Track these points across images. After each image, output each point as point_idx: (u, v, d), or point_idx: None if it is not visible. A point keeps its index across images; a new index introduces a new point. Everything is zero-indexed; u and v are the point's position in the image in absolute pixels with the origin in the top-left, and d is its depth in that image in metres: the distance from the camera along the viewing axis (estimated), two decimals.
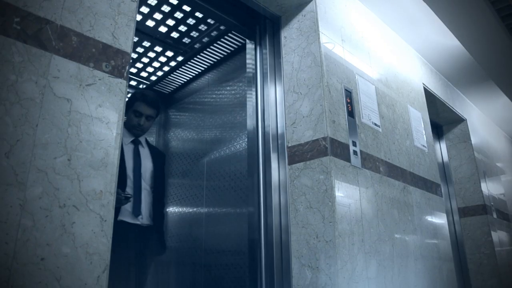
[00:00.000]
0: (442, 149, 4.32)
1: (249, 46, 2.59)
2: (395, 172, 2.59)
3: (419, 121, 3.14)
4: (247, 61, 2.56)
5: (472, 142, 4.21)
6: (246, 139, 2.59)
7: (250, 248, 2.19)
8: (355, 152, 2.24)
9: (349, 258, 1.99)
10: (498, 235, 4.07)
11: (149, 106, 2.45)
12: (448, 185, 4.17)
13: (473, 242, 3.95)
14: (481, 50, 3.58)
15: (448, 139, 4.33)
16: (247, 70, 2.54)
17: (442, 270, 2.83)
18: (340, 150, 2.15)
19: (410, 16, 3.11)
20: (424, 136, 3.15)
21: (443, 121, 4.30)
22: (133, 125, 2.45)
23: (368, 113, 2.51)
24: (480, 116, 4.81)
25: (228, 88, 3.00)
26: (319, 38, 2.35)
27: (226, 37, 3.04)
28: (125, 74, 1.39)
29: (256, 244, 2.15)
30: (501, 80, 4.08)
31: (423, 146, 3.07)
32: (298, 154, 2.20)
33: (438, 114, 4.13)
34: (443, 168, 4.24)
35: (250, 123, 2.40)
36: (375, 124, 2.54)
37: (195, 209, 3.11)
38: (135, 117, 2.44)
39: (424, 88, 3.52)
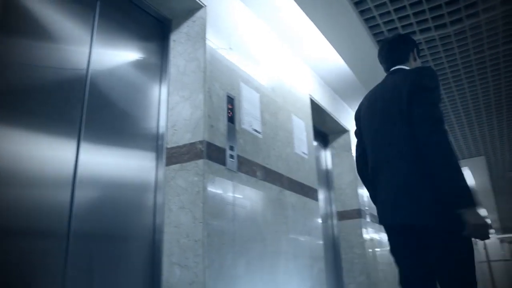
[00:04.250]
0: (327, 157, 4.64)
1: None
2: (272, 176, 2.75)
3: (301, 130, 3.36)
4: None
5: (353, 152, 4.57)
6: None
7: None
8: (231, 156, 2.35)
9: (217, 257, 2.09)
10: (369, 237, 4.47)
11: None
12: (330, 190, 4.49)
13: (347, 243, 4.30)
14: (361, 69, 3.92)
15: (333, 148, 4.67)
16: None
17: (313, 268, 3.05)
18: (216, 154, 2.25)
19: (300, 32, 3.32)
20: (306, 144, 3.38)
21: (329, 131, 4.63)
22: None
23: (250, 119, 2.64)
24: None
25: None
26: (205, 44, 2.44)
27: None
28: None
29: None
30: None
31: (304, 153, 3.29)
32: (176, 156, 2.26)
33: (325, 124, 4.43)
34: (327, 175, 4.56)
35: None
36: (256, 131, 2.68)
37: None
38: None
39: (311, 99, 3.77)
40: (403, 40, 2.15)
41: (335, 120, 4.35)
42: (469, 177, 8.44)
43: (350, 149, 4.58)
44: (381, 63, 2.22)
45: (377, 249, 4.67)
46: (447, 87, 4.54)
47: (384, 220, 1.90)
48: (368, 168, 2.10)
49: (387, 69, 2.16)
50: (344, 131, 4.64)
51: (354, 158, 4.50)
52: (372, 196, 2.11)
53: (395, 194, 1.80)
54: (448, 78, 4.34)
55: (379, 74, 3.99)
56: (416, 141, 1.73)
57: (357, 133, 2.27)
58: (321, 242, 3.28)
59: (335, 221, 4.39)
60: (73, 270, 1.78)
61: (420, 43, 3.65)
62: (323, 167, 4.57)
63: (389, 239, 1.94)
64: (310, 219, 3.17)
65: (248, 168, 2.52)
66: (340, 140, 4.66)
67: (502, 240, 23.72)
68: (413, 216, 1.72)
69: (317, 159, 4.47)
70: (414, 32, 3.49)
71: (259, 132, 2.72)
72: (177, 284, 2.06)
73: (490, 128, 5.97)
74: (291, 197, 2.96)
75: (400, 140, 1.83)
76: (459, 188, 1.60)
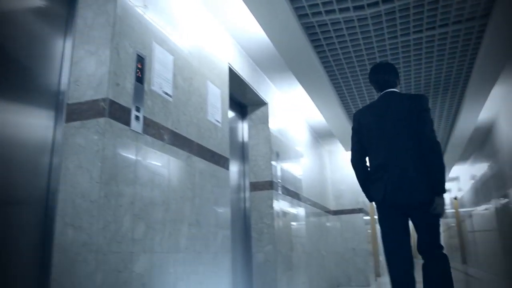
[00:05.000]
0: (244, 128, 4.67)
1: None
2: (181, 141, 2.72)
3: (217, 98, 3.34)
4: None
5: (270, 125, 4.65)
6: None
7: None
8: (137, 118, 2.28)
9: (113, 218, 2.04)
10: (279, 209, 4.61)
11: None
12: (245, 161, 4.55)
13: (258, 214, 4.40)
14: (282, 43, 3.95)
15: (251, 119, 4.70)
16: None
17: (217, 236, 3.09)
18: (120, 114, 2.16)
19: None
20: (220, 112, 3.36)
21: (248, 102, 4.65)
22: None
23: (161, 81, 2.57)
24: (281, 101, 5.30)
25: None
26: None
27: None
28: None
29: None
30: (298, 72, 4.58)
31: (217, 121, 3.28)
32: (76, 113, 2.14)
33: (244, 95, 4.44)
34: (243, 146, 4.60)
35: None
36: (166, 94, 2.61)
37: None
38: None
39: (230, 68, 3.75)
40: (393, 69, 3.00)
41: (254, 92, 4.37)
42: None
43: (267, 121, 4.64)
44: (375, 82, 3.01)
45: (292, 223, 4.84)
46: (363, 68, 4.73)
47: (393, 199, 2.70)
48: (363, 160, 2.96)
49: (381, 89, 2.97)
50: (262, 103, 4.69)
51: (270, 131, 4.57)
52: (364, 181, 2.94)
53: (409, 181, 2.67)
54: (364, 60, 4.52)
55: (299, 49, 4.07)
56: (418, 145, 2.69)
57: (356, 131, 2.99)
58: (228, 210, 3.32)
59: (247, 192, 4.46)
60: None
61: (339, 22, 3.74)
62: (240, 138, 4.60)
63: (386, 214, 2.80)
64: (218, 187, 3.19)
65: (155, 131, 2.46)
66: (258, 112, 4.70)
67: None
68: (421, 195, 2.65)
69: (234, 130, 4.48)
70: (333, 11, 3.57)
71: (170, 96, 2.66)
72: (69, 245, 1.99)
73: None
74: (200, 163, 2.95)
75: (406, 145, 2.72)
76: (443, 182, 2.66)
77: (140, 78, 2.37)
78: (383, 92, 2.94)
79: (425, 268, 2.71)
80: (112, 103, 2.12)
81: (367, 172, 2.94)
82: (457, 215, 15.48)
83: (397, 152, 2.73)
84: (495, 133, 7.56)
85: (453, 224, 16.28)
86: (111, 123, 2.10)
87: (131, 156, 2.23)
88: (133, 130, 2.25)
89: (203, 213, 2.92)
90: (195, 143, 2.91)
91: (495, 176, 8.06)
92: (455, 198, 15.13)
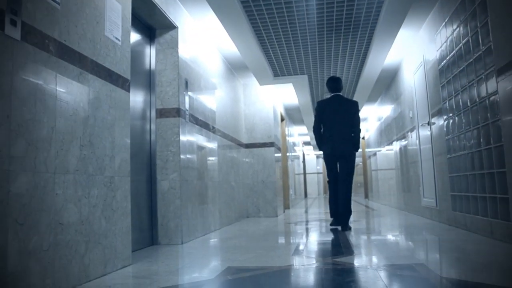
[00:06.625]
0: (152, 52, 4.44)
1: None
2: (71, 55, 2.49)
3: (117, 14, 3.08)
4: None
5: (179, 50, 4.45)
6: None
7: None
8: (13, 22, 2.02)
9: None
10: (186, 137, 4.55)
11: None
12: (152, 86, 4.36)
13: (163, 141, 4.31)
14: None
15: (159, 43, 4.46)
16: None
17: (114, 159, 2.97)
18: None
19: None
20: (120, 30, 3.13)
21: (157, 24, 4.38)
22: None
23: None
24: (193, 27, 5.07)
25: None
26: None
27: None
28: None
29: None
30: None
31: (117, 39, 3.05)
32: None
33: (152, 16, 4.17)
34: (150, 71, 4.39)
35: None
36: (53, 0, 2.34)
37: None
38: None
39: None
40: (340, 80, 5.47)
41: (163, 13, 4.11)
42: (293, 93, 9.13)
43: (177, 47, 4.44)
44: (330, 87, 5.50)
45: (201, 152, 4.80)
46: (279, 7, 4.63)
47: (335, 151, 5.27)
48: (320, 130, 5.46)
49: (333, 91, 5.48)
50: (172, 27, 4.44)
51: (179, 56, 4.38)
52: (319, 141, 5.49)
53: (344, 143, 5.27)
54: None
55: None
56: (352, 128, 5.34)
57: (318, 113, 5.45)
58: (127, 133, 3.19)
59: (153, 119, 4.32)
60: None
61: None
62: (147, 63, 4.37)
63: (330, 159, 5.39)
64: (116, 109, 3.03)
65: (38, 40, 2.21)
66: (167, 36, 4.46)
67: (318, 156, 27.14)
68: (348, 149, 5.28)
69: (141, 54, 4.24)
70: None
71: (57, 2, 2.39)
72: None
73: (312, 48, 6.40)
74: (95, 82, 2.75)
75: (346, 126, 5.31)
76: (359, 145, 5.37)
77: None
78: (334, 94, 5.47)
79: (340, 187, 5.32)
80: None
81: (321, 136, 5.45)
82: (363, 154, 16.53)
83: (339, 129, 5.28)
84: (400, 76, 7.97)
85: (360, 163, 17.40)
86: None
87: (8, 65, 1.99)
88: (8, 36, 2.00)
89: (98, 134, 2.77)
90: (89, 59, 2.69)
91: (397, 118, 8.60)
92: (363, 138, 16.06)
